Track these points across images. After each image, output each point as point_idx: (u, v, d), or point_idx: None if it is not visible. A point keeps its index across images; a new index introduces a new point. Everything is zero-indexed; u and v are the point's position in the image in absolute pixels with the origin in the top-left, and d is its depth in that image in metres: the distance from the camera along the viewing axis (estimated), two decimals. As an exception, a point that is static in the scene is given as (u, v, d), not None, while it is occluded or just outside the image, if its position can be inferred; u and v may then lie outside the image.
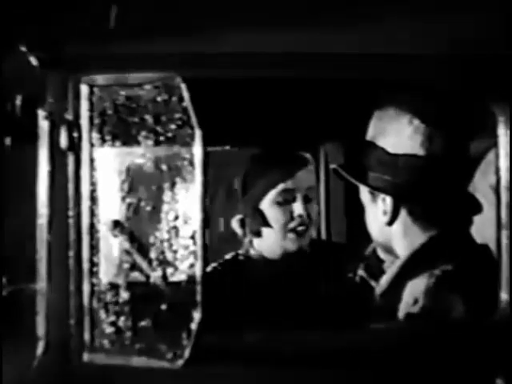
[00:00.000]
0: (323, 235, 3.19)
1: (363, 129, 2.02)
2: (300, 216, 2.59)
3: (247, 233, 2.69)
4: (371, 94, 1.93)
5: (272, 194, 2.61)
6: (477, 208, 2.01)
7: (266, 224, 2.63)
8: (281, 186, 2.60)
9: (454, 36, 1.81)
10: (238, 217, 2.71)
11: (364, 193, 2.04)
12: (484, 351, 1.82)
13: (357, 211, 2.09)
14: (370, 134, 2.01)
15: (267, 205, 2.62)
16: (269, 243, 2.66)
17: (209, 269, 2.66)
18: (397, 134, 1.94)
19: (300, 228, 2.60)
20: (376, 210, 1.99)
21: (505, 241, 1.82)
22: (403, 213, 1.96)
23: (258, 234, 2.66)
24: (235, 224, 2.71)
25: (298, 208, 2.60)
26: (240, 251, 2.73)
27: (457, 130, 1.96)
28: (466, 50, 1.81)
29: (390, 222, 1.97)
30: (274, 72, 1.83)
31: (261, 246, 2.68)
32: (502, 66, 1.81)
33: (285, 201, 2.61)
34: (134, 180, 1.93)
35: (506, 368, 1.80)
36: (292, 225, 2.61)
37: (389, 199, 1.95)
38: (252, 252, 2.69)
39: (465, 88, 1.92)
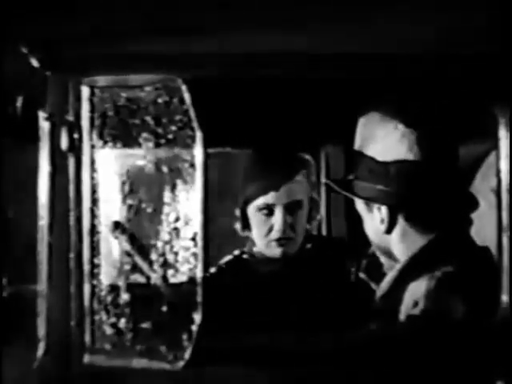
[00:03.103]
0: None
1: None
2: (279, 230, 2.55)
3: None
4: (372, 94, 1.93)
5: (256, 202, 2.58)
6: (473, 204, 2.01)
7: (250, 229, 2.61)
8: (262, 199, 2.56)
9: (454, 35, 1.81)
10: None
11: (359, 203, 2.04)
12: (484, 353, 1.82)
13: (357, 215, 2.08)
14: (357, 143, 2.01)
15: (252, 211, 2.59)
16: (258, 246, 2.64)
17: (211, 270, 2.65)
18: (384, 141, 1.94)
19: (281, 241, 2.56)
20: (373, 219, 1.99)
21: (505, 243, 1.81)
22: (400, 220, 1.96)
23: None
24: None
25: (277, 222, 2.55)
26: (236, 252, 2.71)
27: (443, 132, 1.96)
28: (465, 49, 1.81)
29: (388, 230, 1.97)
30: (274, 72, 1.83)
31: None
32: (502, 66, 1.81)
33: (265, 213, 2.57)
34: (134, 182, 1.94)
35: (506, 370, 1.80)
36: (272, 237, 2.57)
37: (384, 208, 1.95)
38: (254, 250, 2.65)
39: (465, 89, 1.92)
